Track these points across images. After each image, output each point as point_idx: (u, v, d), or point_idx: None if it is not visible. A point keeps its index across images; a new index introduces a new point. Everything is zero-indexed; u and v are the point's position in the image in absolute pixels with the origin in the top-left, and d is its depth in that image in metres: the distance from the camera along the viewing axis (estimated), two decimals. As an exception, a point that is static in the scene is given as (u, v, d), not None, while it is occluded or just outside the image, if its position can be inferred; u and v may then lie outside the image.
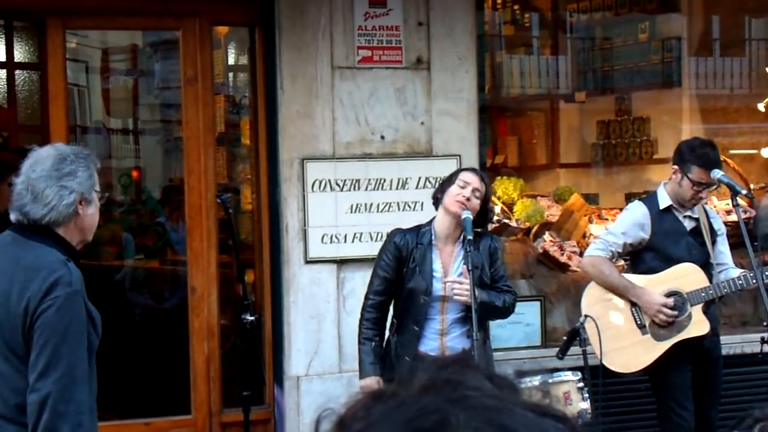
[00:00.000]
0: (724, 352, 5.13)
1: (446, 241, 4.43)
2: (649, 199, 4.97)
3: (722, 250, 4.96)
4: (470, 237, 4.17)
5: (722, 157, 6.57)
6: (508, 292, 4.49)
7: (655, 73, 7.32)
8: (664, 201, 4.85)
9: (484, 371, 0.92)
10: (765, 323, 4.56)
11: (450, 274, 4.39)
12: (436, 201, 4.48)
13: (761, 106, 7.26)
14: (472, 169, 4.56)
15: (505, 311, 4.47)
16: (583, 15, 7.56)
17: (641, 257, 4.90)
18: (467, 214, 4.22)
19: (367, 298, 4.51)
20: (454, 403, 0.85)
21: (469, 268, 4.16)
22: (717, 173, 4.72)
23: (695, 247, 4.84)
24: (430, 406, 0.85)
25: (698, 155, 4.74)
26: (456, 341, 4.38)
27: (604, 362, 4.75)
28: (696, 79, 7.41)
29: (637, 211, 4.91)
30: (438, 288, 4.39)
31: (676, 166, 4.82)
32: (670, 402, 4.83)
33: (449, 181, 4.43)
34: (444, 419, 0.84)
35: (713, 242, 4.90)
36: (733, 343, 5.81)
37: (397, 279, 4.42)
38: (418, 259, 4.39)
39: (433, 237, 4.42)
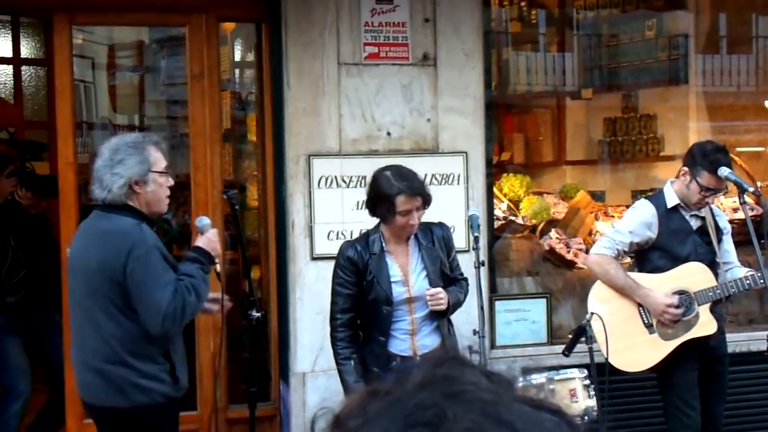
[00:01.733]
0: (730, 350, 5.13)
1: (398, 243, 4.35)
2: (656, 197, 4.96)
3: (727, 249, 4.95)
4: (477, 234, 4.19)
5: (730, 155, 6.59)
6: (462, 279, 4.50)
7: (661, 70, 7.30)
8: (671, 200, 4.84)
9: (480, 368, 0.92)
10: (771, 321, 4.54)
11: (410, 274, 4.33)
12: (372, 213, 4.30)
13: (768, 104, 7.25)
14: (404, 191, 4.15)
15: (463, 302, 4.46)
16: (589, 12, 7.55)
17: (647, 256, 4.89)
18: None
19: (334, 318, 4.38)
20: (450, 398, 0.86)
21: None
22: (724, 171, 4.71)
23: (701, 246, 4.83)
24: (427, 401, 0.86)
25: (710, 161, 4.72)
26: (426, 339, 4.34)
27: (611, 361, 4.74)
28: (703, 77, 7.40)
29: (645, 210, 4.89)
30: (400, 292, 4.31)
31: (686, 168, 4.81)
32: (677, 401, 4.82)
33: (386, 206, 4.18)
34: (441, 413, 0.84)
35: (719, 241, 4.89)
36: (739, 341, 5.80)
37: (360, 292, 4.32)
38: (374, 269, 4.28)
39: (383, 243, 4.32)
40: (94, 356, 3.86)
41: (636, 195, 7.06)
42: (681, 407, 4.81)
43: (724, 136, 7.45)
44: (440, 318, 4.29)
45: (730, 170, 4.77)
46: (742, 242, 5.68)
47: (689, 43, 7.23)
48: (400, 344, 4.34)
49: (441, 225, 4.50)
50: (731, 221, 5.33)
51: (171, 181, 3.98)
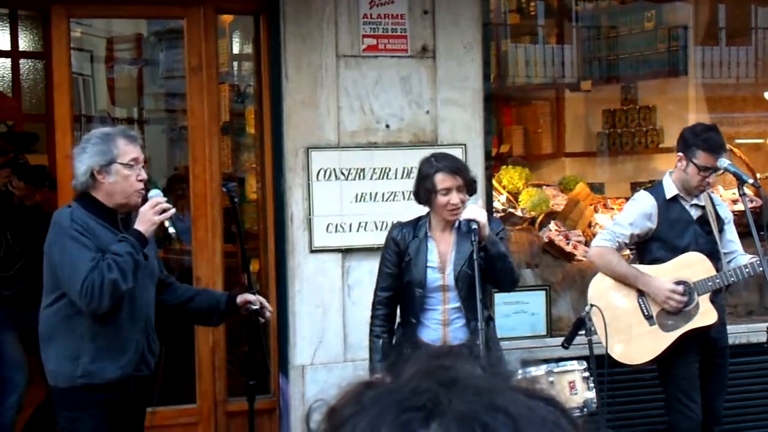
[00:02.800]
0: (729, 341, 5.12)
1: (443, 230, 4.40)
2: (656, 188, 4.95)
3: (730, 238, 4.93)
4: (475, 227, 4.15)
5: (728, 147, 6.58)
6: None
7: (661, 62, 7.29)
8: (670, 190, 4.83)
9: (477, 360, 0.92)
10: (771, 313, 4.54)
11: (448, 263, 4.37)
12: (418, 199, 4.40)
13: (767, 95, 7.23)
14: (442, 169, 4.27)
15: (512, 269, 4.32)
16: (588, 3, 7.54)
17: (647, 247, 4.89)
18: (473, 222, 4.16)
19: (375, 294, 4.51)
20: (445, 385, 0.86)
21: (474, 254, 4.12)
22: (723, 162, 4.71)
23: (702, 236, 4.82)
24: (421, 387, 0.86)
25: (703, 139, 4.73)
26: (458, 331, 4.37)
27: (611, 353, 4.74)
28: (702, 68, 7.38)
29: (644, 201, 4.89)
30: (435, 278, 4.36)
31: (680, 154, 4.81)
32: (678, 393, 4.82)
33: (427, 187, 4.29)
34: (435, 398, 0.84)
35: (720, 230, 4.88)
36: (738, 333, 5.80)
37: (399, 273, 4.42)
38: (413, 252, 4.38)
39: (428, 229, 4.40)
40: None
41: (635, 187, 7.05)
42: (682, 399, 4.80)
43: (724, 128, 7.38)
44: (471, 312, 4.21)
45: (729, 162, 4.76)
46: (741, 234, 5.67)
47: (688, 35, 7.22)
48: (432, 333, 4.39)
49: (495, 221, 4.53)
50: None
51: (142, 174, 3.97)
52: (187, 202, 5.90)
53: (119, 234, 3.91)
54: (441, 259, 4.38)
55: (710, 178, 4.78)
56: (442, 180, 4.26)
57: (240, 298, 4.27)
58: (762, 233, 4.74)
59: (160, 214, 3.94)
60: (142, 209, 3.95)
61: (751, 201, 5.86)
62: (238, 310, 4.29)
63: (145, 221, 3.93)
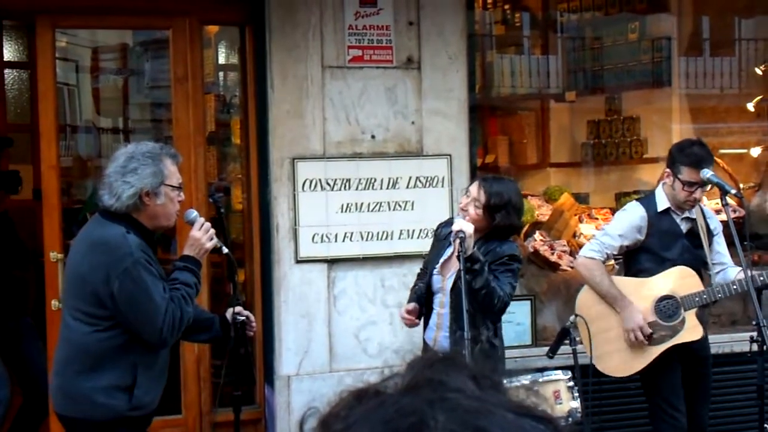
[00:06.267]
0: (713, 351, 5.15)
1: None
2: (647, 200, 4.97)
3: (719, 250, 4.95)
4: (463, 236, 4.16)
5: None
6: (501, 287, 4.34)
7: (645, 72, 7.33)
8: (662, 203, 4.85)
9: (470, 371, 0.92)
10: (754, 322, 4.56)
11: (448, 269, 4.43)
12: None
13: (751, 106, 7.28)
14: (480, 179, 4.55)
15: (489, 293, 4.23)
16: (573, 15, 7.57)
17: (635, 258, 4.91)
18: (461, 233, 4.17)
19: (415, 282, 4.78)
20: (432, 405, 0.86)
21: (459, 253, 4.13)
22: (706, 173, 4.73)
23: (689, 251, 4.84)
24: (408, 407, 0.86)
25: (686, 155, 4.76)
26: (445, 339, 4.43)
27: (597, 365, 4.75)
28: (686, 79, 7.42)
29: (635, 213, 4.91)
30: (437, 280, 4.47)
31: (668, 170, 4.83)
32: (662, 403, 4.83)
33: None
34: (421, 421, 0.84)
35: (710, 242, 4.90)
36: (722, 342, 5.83)
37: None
38: (433, 250, 4.61)
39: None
40: (58, 361, 3.82)
41: (620, 197, 7.09)
42: (666, 409, 4.82)
43: (707, 138, 7.41)
44: (458, 322, 4.22)
45: (712, 172, 4.78)
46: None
47: (672, 46, 7.25)
48: (430, 332, 4.53)
49: (508, 245, 4.44)
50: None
51: (182, 196, 3.88)
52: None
53: (176, 260, 3.84)
54: (446, 263, 4.44)
55: (697, 194, 4.80)
56: (471, 185, 4.53)
57: (228, 314, 4.18)
58: (745, 243, 4.76)
59: (211, 239, 3.88)
60: (195, 235, 3.85)
61: (734, 211, 5.89)
62: (229, 327, 4.14)
63: (197, 247, 3.85)
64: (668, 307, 4.78)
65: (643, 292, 4.83)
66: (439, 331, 4.46)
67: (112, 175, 3.70)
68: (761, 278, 4.61)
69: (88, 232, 3.83)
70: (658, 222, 4.84)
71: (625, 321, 4.80)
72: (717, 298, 4.76)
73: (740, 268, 4.73)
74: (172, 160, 3.80)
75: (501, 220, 4.36)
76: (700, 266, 4.83)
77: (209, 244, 3.87)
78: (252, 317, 4.25)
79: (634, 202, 5.09)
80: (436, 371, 0.91)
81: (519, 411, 0.88)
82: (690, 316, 4.76)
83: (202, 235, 3.86)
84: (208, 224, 3.91)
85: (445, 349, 4.35)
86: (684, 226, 4.86)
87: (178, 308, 3.67)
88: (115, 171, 3.70)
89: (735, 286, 4.68)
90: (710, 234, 4.92)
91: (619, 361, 4.85)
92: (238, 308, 4.18)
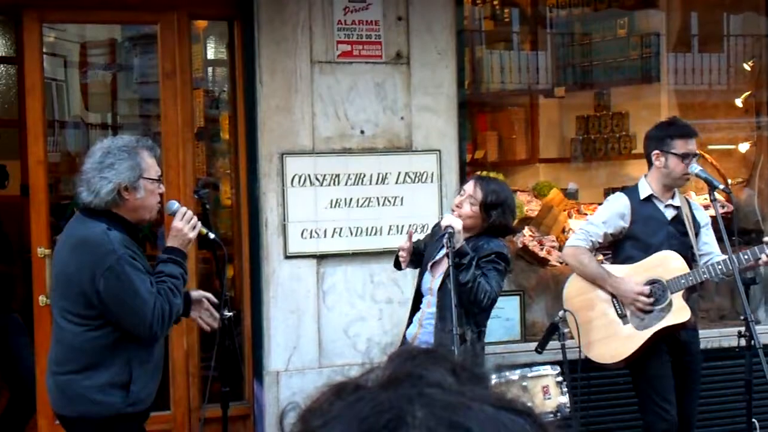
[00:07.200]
0: (702, 346, 5.16)
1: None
2: (630, 190, 5.00)
3: (706, 241, 4.94)
4: (451, 231, 4.16)
5: (700, 152, 6.62)
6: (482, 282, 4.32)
7: (633, 68, 7.34)
8: (644, 191, 4.87)
9: (450, 364, 0.91)
10: (742, 317, 4.57)
11: (438, 270, 4.41)
12: None
13: (739, 102, 7.30)
14: (475, 177, 4.62)
15: (472, 290, 4.20)
16: (562, 11, 7.57)
17: (621, 246, 4.92)
18: (450, 229, 4.16)
19: None
20: (410, 400, 0.85)
21: (448, 247, 4.12)
22: (695, 168, 4.75)
23: (675, 237, 4.84)
24: (385, 403, 0.85)
25: (674, 128, 4.85)
26: (425, 336, 4.42)
27: (587, 354, 4.76)
28: (674, 75, 7.44)
29: (618, 201, 4.93)
30: (427, 279, 4.47)
31: (656, 152, 4.83)
32: (653, 395, 4.82)
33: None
34: (398, 417, 0.84)
35: (696, 234, 4.90)
36: (711, 337, 5.84)
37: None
38: (431, 247, 4.55)
39: None
40: (52, 361, 3.81)
41: (608, 192, 7.10)
42: (657, 401, 4.81)
43: (696, 134, 7.49)
44: (447, 320, 4.21)
45: (700, 167, 4.80)
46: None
47: (661, 42, 7.27)
48: (411, 329, 4.52)
49: (499, 243, 4.44)
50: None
51: (162, 188, 3.85)
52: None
53: (141, 249, 3.77)
54: (438, 263, 4.44)
55: (694, 163, 4.81)
56: (467, 183, 4.59)
57: (195, 294, 4.16)
58: (733, 239, 4.77)
59: (193, 229, 3.85)
60: (177, 225, 3.82)
61: (723, 207, 5.91)
62: (191, 304, 4.09)
63: (180, 237, 3.82)
64: (655, 291, 4.78)
65: (630, 277, 4.83)
66: (419, 328, 4.46)
67: (89, 171, 3.68)
68: (746, 257, 4.61)
69: (70, 232, 3.80)
70: (641, 209, 4.85)
71: (622, 296, 4.79)
72: (703, 278, 4.72)
73: (726, 256, 4.73)
74: (150, 152, 3.77)
75: (496, 218, 4.38)
76: (688, 254, 4.82)
77: (192, 234, 3.85)
78: (215, 312, 4.15)
79: (618, 192, 5.13)
80: (416, 364, 0.91)
81: (498, 404, 0.88)
82: (677, 299, 4.75)
83: (183, 225, 3.83)
84: (190, 213, 3.88)
85: (425, 344, 4.37)
86: (668, 213, 4.86)
87: (166, 301, 3.66)
88: (91, 167, 3.68)
89: (721, 266, 4.65)
90: (696, 225, 4.92)
91: (609, 348, 4.84)
92: (203, 293, 4.17)
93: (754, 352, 4.49)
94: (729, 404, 5.74)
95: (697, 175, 4.73)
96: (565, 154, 7.78)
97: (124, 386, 3.69)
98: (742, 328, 4.59)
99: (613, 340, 4.83)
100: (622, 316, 4.83)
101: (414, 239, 4.57)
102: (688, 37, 7.69)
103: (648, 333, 4.77)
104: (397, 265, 4.68)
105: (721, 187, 4.84)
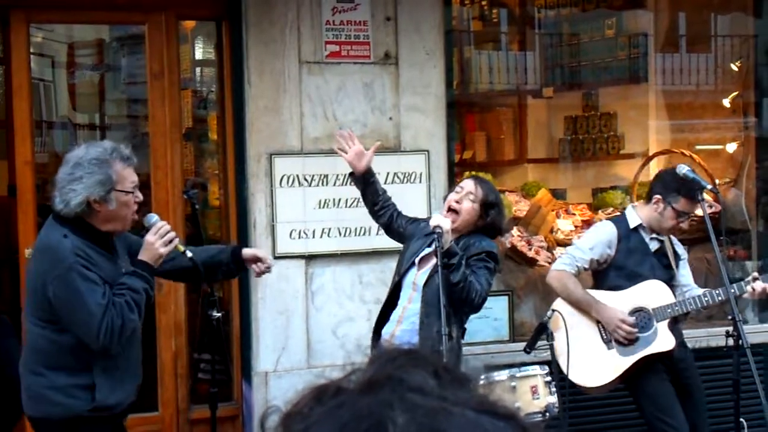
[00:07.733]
0: (690, 345, 5.17)
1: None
2: (618, 218, 5.06)
3: (684, 273, 5.02)
4: (440, 231, 4.15)
5: (688, 153, 6.65)
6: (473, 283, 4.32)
7: (621, 69, 7.36)
8: (633, 221, 4.90)
9: (431, 366, 0.90)
10: (730, 317, 4.59)
11: (425, 264, 4.40)
12: None
13: (726, 102, 7.32)
14: (473, 177, 4.67)
15: (463, 289, 4.19)
16: (550, 11, 7.58)
17: (605, 274, 4.93)
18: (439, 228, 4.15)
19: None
20: (391, 406, 0.85)
21: (437, 249, 4.10)
22: (682, 168, 4.77)
23: (659, 268, 4.89)
24: (365, 409, 0.85)
25: (687, 187, 4.74)
26: (406, 334, 4.36)
27: (570, 377, 4.74)
28: (662, 75, 7.46)
29: (606, 228, 4.97)
30: (412, 273, 4.43)
31: (658, 196, 4.83)
32: (656, 412, 4.79)
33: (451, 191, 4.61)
34: (378, 423, 0.84)
35: (676, 266, 4.96)
36: (698, 337, 5.86)
37: (404, 230, 4.60)
38: (414, 243, 4.49)
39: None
40: (21, 362, 3.81)
41: (596, 192, 7.13)
42: (661, 417, 4.77)
43: (684, 134, 7.52)
44: (431, 319, 4.21)
45: (688, 167, 4.81)
46: (700, 239, 5.73)
47: (649, 42, 7.29)
48: (389, 327, 4.45)
49: (489, 242, 4.45)
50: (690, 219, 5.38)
51: (139, 197, 3.78)
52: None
53: (112, 259, 3.72)
54: (426, 257, 4.42)
55: (684, 224, 4.86)
56: (464, 181, 4.61)
57: (247, 252, 4.24)
58: (721, 239, 4.79)
59: (167, 244, 3.77)
60: (149, 239, 3.76)
61: (710, 207, 5.92)
62: (243, 265, 4.24)
63: (152, 252, 3.74)
64: (641, 319, 4.80)
65: (616, 305, 4.84)
66: (398, 325, 4.42)
67: (61, 180, 3.64)
68: (732, 291, 4.63)
69: (39, 236, 3.83)
70: (628, 238, 4.88)
71: (606, 323, 4.81)
72: (688, 309, 4.80)
73: (705, 289, 4.78)
74: (124, 163, 3.69)
75: (493, 217, 4.44)
76: (670, 284, 4.87)
77: (164, 249, 3.76)
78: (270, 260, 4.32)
79: (606, 220, 5.17)
80: (397, 367, 0.90)
81: (480, 408, 0.87)
82: (662, 327, 4.78)
83: (155, 240, 3.75)
84: (166, 228, 3.80)
85: (406, 344, 4.33)
86: (653, 246, 4.91)
87: (119, 315, 3.58)
88: (63, 177, 3.64)
89: (707, 298, 4.74)
90: (677, 257, 4.98)
91: (592, 372, 4.84)
92: (259, 251, 4.29)
93: (742, 352, 4.51)
94: (717, 404, 5.75)
95: (684, 176, 4.74)
96: (554, 155, 7.79)
97: (88, 388, 3.67)
98: (730, 328, 4.60)
99: (597, 364, 4.84)
100: (607, 341, 4.84)
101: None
102: (676, 37, 7.71)
103: (632, 359, 4.79)
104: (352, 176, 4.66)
105: (709, 187, 4.86)
